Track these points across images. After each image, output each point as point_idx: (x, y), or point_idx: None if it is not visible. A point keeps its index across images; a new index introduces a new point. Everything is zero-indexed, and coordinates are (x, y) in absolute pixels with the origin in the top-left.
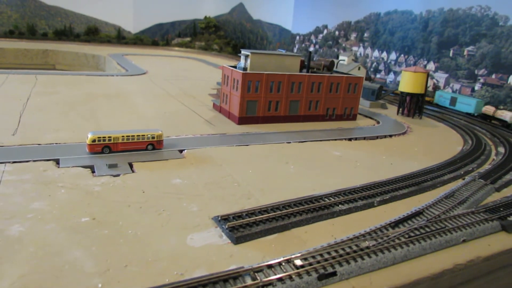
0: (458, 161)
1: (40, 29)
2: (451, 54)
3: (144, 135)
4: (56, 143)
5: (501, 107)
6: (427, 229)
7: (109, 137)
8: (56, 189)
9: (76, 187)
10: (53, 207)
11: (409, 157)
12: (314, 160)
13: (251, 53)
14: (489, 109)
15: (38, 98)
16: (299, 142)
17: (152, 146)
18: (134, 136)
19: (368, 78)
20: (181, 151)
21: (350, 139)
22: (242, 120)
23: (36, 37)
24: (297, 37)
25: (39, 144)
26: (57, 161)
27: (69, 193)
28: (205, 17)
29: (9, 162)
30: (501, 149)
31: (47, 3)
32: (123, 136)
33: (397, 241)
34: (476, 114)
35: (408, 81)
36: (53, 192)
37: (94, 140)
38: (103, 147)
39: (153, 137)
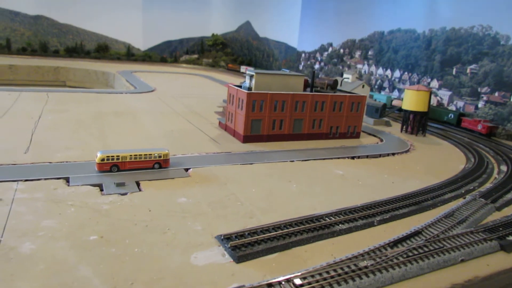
0: (459, 180)
1: (52, 46)
2: (454, 72)
3: (151, 154)
4: (66, 162)
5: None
6: (426, 249)
7: (117, 156)
8: (66, 208)
9: (85, 205)
10: (63, 225)
11: (411, 175)
12: (317, 178)
13: (256, 73)
14: (396, 102)
15: (50, 116)
16: (302, 160)
17: (159, 164)
18: (141, 155)
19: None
20: (187, 169)
21: (353, 158)
22: (247, 138)
23: (48, 54)
24: (303, 55)
25: (50, 162)
26: (67, 179)
27: (78, 212)
28: (213, 34)
29: (21, 180)
30: (504, 168)
31: (59, 21)
32: (131, 155)
33: (395, 260)
34: (388, 105)
35: (411, 100)
36: (63, 211)
37: (103, 159)
38: (111, 166)
39: (159, 156)
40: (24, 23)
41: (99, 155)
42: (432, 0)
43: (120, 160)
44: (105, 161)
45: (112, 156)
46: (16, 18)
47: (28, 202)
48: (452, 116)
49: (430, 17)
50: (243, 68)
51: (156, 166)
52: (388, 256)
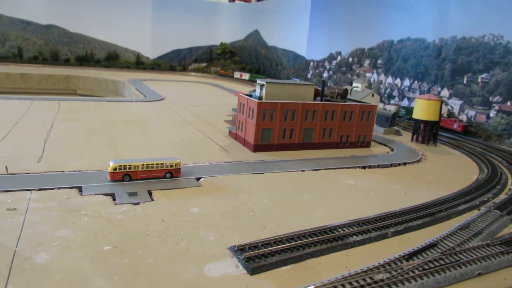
0: (473, 191)
1: (62, 55)
2: (465, 81)
3: (162, 164)
4: (78, 171)
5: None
6: (442, 262)
7: (129, 165)
8: (79, 217)
9: (99, 215)
10: (77, 235)
11: (423, 186)
12: (328, 188)
13: (266, 82)
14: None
15: (62, 124)
16: (313, 170)
17: (170, 174)
18: (153, 164)
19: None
20: (198, 179)
21: (364, 167)
22: (257, 147)
23: (59, 63)
24: (311, 63)
25: (62, 171)
26: (79, 189)
27: (92, 221)
28: (221, 43)
29: (35, 190)
30: None
31: (70, 30)
32: (142, 165)
33: (411, 273)
34: None
35: (422, 109)
36: (77, 220)
37: (115, 169)
38: (123, 175)
39: (171, 165)
40: (36, 32)
41: (111, 164)
42: (442, 10)
43: (132, 169)
44: (117, 170)
45: (124, 166)
46: (28, 27)
47: (42, 211)
48: None
49: (440, 26)
50: (236, 74)
51: (168, 175)
52: (404, 269)
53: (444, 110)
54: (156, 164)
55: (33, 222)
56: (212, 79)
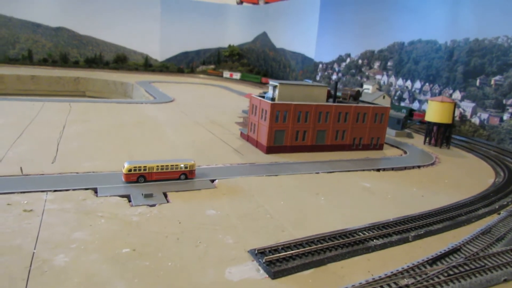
0: (491, 195)
1: (72, 57)
2: (477, 84)
3: (177, 165)
4: (92, 172)
5: None
6: (466, 267)
7: (144, 166)
8: (96, 219)
9: (115, 217)
10: (94, 237)
11: (440, 189)
12: (344, 191)
13: (279, 83)
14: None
15: (74, 126)
16: (328, 172)
17: (185, 175)
18: (168, 166)
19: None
20: (212, 181)
21: (378, 170)
22: (270, 149)
23: (68, 65)
24: (320, 65)
25: (77, 173)
26: (95, 190)
27: (109, 223)
28: (229, 45)
29: (50, 191)
30: None
31: (79, 33)
32: (157, 166)
33: (436, 279)
34: None
35: (435, 111)
36: (94, 222)
37: (130, 170)
38: (138, 177)
39: (185, 167)
40: (45, 34)
41: (126, 165)
42: (454, 11)
43: (147, 171)
44: (132, 172)
45: (139, 167)
46: (38, 30)
47: (58, 213)
48: (405, 111)
49: (452, 28)
50: (226, 74)
51: (182, 177)
52: (428, 275)
53: (456, 113)
54: (171, 165)
55: (50, 223)
56: (220, 81)
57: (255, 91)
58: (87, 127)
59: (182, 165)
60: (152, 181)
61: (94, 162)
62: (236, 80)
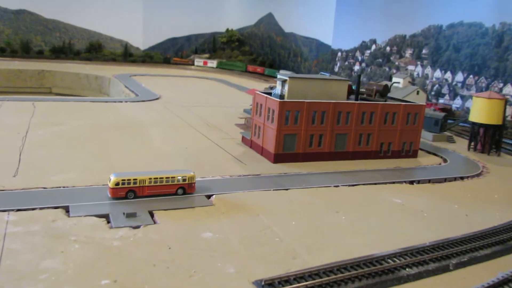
0: None
1: (35, 46)
2: None
3: (174, 177)
4: (63, 187)
5: None
6: None
7: (134, 179)
8: (69, 244)
9: (92, 241)
10: (67, 267)
11: (489, 206)
12: (370, 209)
13: (289, 77)
14: None
15: (39, 130)
16: (350, 185)
17: (183, 190)
18: (163, 178)
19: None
20: (208, 196)
21: (412, 182)
22: (279, 157)
23: (31, 56)
24: (339, 54)
25: (44, 188)
26: (66, 209)
27: (84, 249)
28: (227, 30)
29: (12, 210)
30: None
31: (44, 17)
32: (150, 179)
33: None
34: None
35: (481, 110)
36: (66, 248)
37: (117, 183)
38: (127, 192)
39: (184, 180)
40: (3, 19)
41: (112, 178)
42: None
43: (137, 185)
44: (120, 186)
45: (128, 180)
46: None
47: (23, 237)
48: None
49: (502, 7)
50: (198, 62)
51: (180, 191)
52: None
53: (508, 112)
54: (166, 178)
55: (14, 250)
56: (216, 73)
57: (259, 85)
58: (55, 132)
59: (179, 178)
60: (144, 196)
61: (65, 175)
62: (239, 73)
